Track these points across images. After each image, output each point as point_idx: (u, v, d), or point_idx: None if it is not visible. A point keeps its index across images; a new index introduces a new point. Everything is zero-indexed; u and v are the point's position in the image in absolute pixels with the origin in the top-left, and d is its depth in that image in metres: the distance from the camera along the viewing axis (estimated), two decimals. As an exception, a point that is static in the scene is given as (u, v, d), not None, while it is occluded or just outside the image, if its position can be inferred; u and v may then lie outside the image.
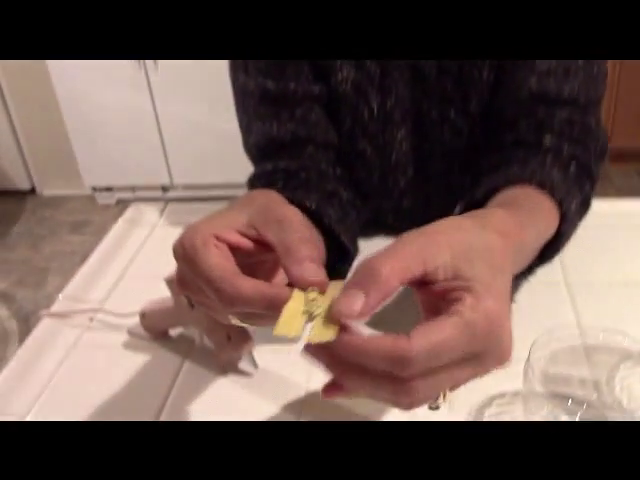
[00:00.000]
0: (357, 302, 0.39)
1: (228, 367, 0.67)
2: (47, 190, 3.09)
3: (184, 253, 0.46)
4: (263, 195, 0.54)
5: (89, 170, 2.81)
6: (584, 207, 0.67)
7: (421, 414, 0.47)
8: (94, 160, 2.77)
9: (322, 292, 0.43)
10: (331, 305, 0.40)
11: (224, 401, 0.64)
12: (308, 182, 0.69)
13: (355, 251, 0.71)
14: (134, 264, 0.87)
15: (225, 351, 0.64)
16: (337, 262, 0.69)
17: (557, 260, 0.66)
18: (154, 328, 0.71)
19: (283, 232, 0.46)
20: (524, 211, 0.54)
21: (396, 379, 0.39)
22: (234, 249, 0.47)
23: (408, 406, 0.41)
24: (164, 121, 2.64)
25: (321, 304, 0.42)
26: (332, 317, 0.40)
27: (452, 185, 0.77)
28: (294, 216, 0.48)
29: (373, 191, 0.79)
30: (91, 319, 0.76)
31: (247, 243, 0.48)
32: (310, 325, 0.41)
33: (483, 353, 0.40)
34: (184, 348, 0.71)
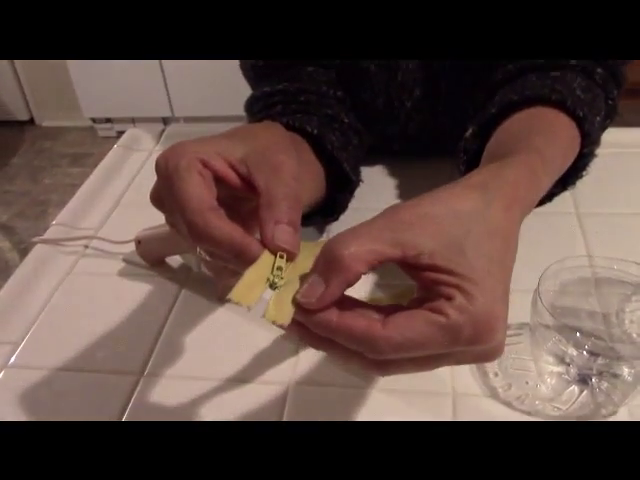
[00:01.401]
0: (315, 291, 0.37)
1: (226, 295, 0.64)
2: (46, 121, 3.05)
3: (166, 171, 0.43)
4: (266, 132, 0.51)
5: (88, 101, 2.76)
6: (610, 117, 0.63)
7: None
8: (93, 91, 2.71)
9: (290, 260, 0.41)
10: (293, 283, 0.39)
11: (222, 329, 0.62)
12: (307, 105, 0.66)
13: (357, 180, 0.68)
14: (130, 190, 0.84)
15: (223, 279, 0.62)
16: (338, 191, 0.66)
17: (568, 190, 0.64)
18: (150, 255, 0.69)
19: (273, 182, 0.43)
20: (539, 156, 0.49)
21: (366, 357, 0.37)
22: (219, 180, 0.44)
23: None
24: (164, 50, 2.56)
25: (285, 277, 0.40)
26: (292, 297, 0.38)
27: (462, 106, 0.73)
28: (290, 167, 0.44)
29: (378, 115, 0.75)
30: (86, 246, 0.74)
31: (234, 178, 0.44)
32: (269, 295, 0.39)
33: (467, 351, 0.38)
34: (181, 276, 0.69)
